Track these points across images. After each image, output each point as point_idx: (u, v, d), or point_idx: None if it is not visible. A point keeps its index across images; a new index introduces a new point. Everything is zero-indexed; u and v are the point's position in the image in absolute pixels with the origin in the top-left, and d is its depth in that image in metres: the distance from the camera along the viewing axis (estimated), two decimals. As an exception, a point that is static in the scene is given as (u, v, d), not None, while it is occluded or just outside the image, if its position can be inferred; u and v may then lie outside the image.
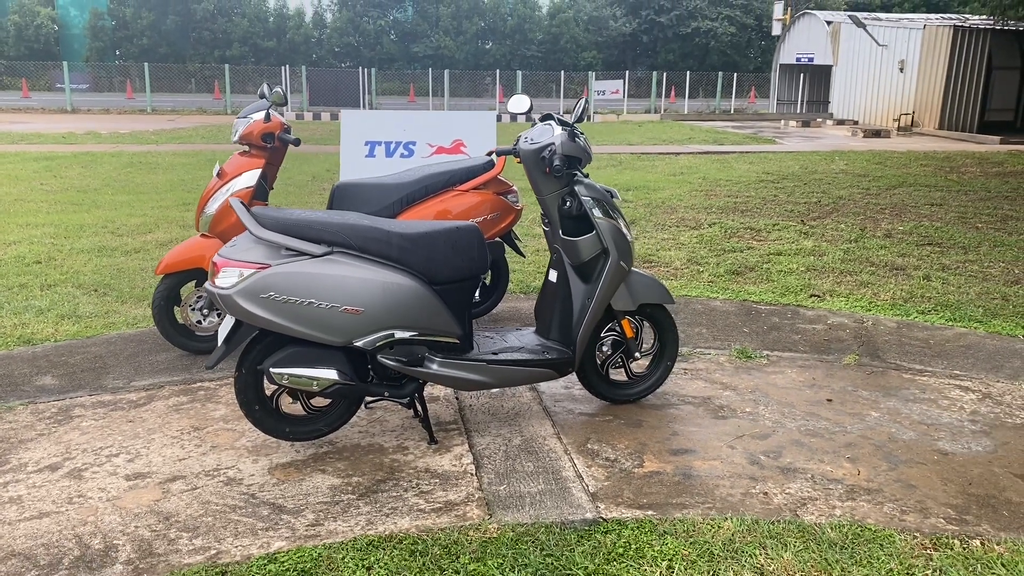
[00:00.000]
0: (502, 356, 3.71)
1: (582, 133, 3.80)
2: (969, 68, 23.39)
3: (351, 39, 48.84)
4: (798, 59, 31.07)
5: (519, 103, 4.12)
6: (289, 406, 3.67)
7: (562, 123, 3.82)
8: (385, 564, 2.81)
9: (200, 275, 4.72)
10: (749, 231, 8.38)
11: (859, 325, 5.40)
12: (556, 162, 3.59)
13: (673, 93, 35.81)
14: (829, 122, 26.68)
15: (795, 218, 9.15)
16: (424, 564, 2.81)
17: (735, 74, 36.51)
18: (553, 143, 3.69)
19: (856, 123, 26.04)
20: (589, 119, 4.12)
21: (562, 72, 35.07)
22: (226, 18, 46.98)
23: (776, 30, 33.23)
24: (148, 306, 5.64)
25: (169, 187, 11.04)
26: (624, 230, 3.82)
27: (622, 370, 4.15)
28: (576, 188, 3.74)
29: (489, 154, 5.29)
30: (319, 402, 3.64)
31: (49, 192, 10.39)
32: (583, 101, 3.71)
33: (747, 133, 22.39)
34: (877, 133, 22.14)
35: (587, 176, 3.81)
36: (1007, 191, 11.65)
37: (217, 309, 4.78)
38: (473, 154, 13.59)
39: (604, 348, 4.05)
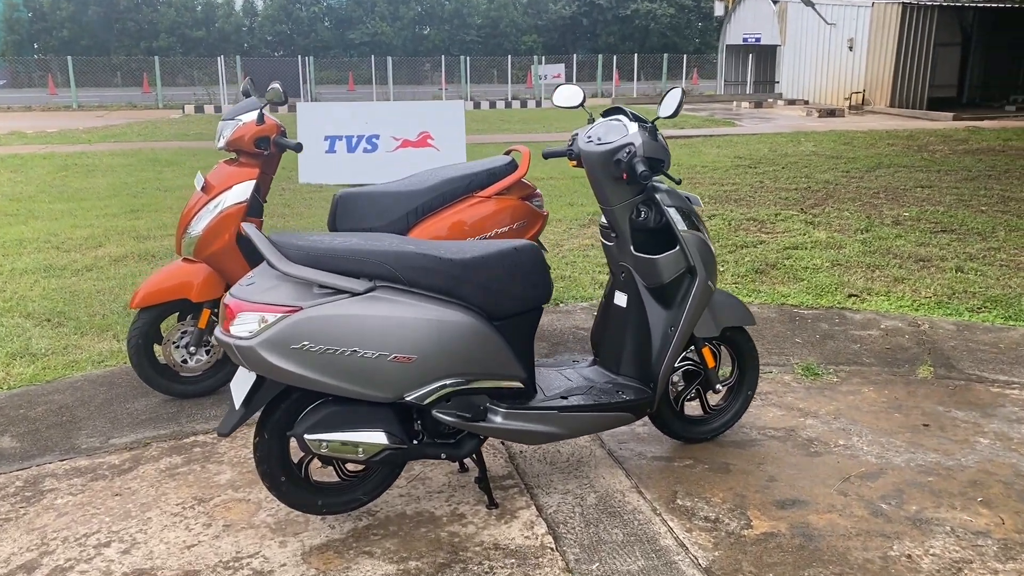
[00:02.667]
0: (572, 400, 3.11)
1: (658, 129, 3.20)
2: (917, 45, 23.46)
3: (284, 27, 47.31)
4: (745, 39, 30.92)
5: (569, 95, 3.48)
6: (318, 470, 3.02)
7: (636, 119, 3.22)
8: None
9: (184, 307, 4.00)
10: (753, 222, 7.90)
11: (916, 329, 4.94)
12: (640, 167, 2.96)
13: (616, 76, 35.40)
14: (780, 102, 26.57)
15: (793, 206, 8.71)
16: None
17: (684, 56, 36.28)
18: (632, 143, 3.07)
19: (807, 103, 25.95)
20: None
21: (508, 57, 34.36)
22: (151, 8, 45.03)
23: (719, 11, 33.08)
24: (113, 338, 4.89)
25: (111, 192, 10.10)
26: (710, 244, 3.23)
27: (694, 403, 3.59)
28: (657, 196, 3.13)
29: (508, 152, 4.66)
30: (355, 466, 2.99)
31: (-23, 202, 9.38)
32: (678, 91, 3.10)
33: (703, 116, 22.05)
34: (832, 112, 22.03)
35: (679, 180, 3.21)
36: (985, 169, 11.43)
37: (205, 346, 4.07)
38: (441, 147, 12.69)
39: (675, 379, 3.47)
